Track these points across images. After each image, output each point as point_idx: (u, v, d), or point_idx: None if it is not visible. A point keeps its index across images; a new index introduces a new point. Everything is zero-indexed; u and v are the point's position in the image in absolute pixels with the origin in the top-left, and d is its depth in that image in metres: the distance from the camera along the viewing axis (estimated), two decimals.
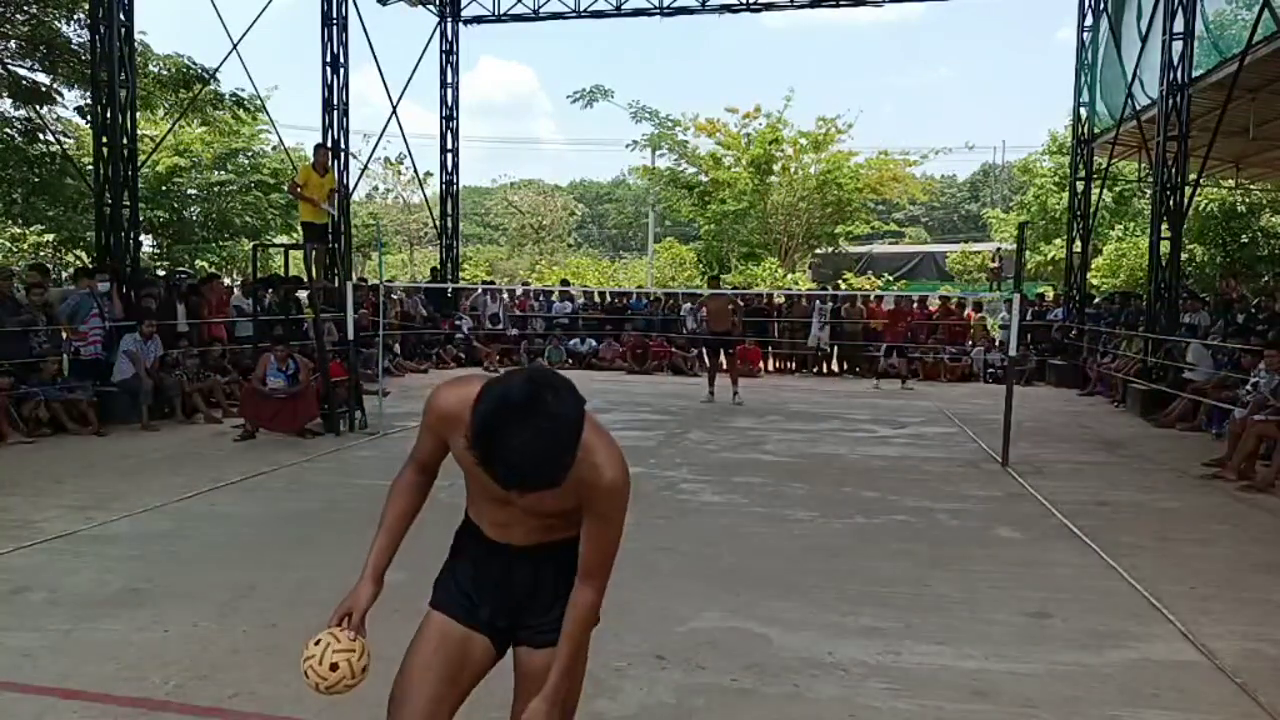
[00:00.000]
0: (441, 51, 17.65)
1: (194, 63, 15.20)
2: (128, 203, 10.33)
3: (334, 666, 1.87)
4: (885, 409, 11.42)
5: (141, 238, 14.25)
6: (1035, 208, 25.55)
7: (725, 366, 11.75)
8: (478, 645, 2.03)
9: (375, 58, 15.17)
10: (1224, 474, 7.18)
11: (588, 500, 1.82)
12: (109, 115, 10.18)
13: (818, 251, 28.92)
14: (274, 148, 22.59)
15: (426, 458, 2.06)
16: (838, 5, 17.10)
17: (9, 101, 14.79)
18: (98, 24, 10.24)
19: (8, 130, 15.05)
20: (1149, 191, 14.40)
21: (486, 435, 1.60)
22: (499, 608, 2.04)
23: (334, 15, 14.04)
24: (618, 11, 17.09)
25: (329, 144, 13.97)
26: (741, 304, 14.57)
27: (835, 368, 16.48)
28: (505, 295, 18.85)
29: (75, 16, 13.78)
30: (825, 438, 9.15)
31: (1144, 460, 8.18)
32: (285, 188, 18.50)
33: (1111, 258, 23.20)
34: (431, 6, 17.36)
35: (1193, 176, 11.74)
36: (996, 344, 15.59)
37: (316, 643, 1.90)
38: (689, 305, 17.17)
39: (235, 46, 12.72)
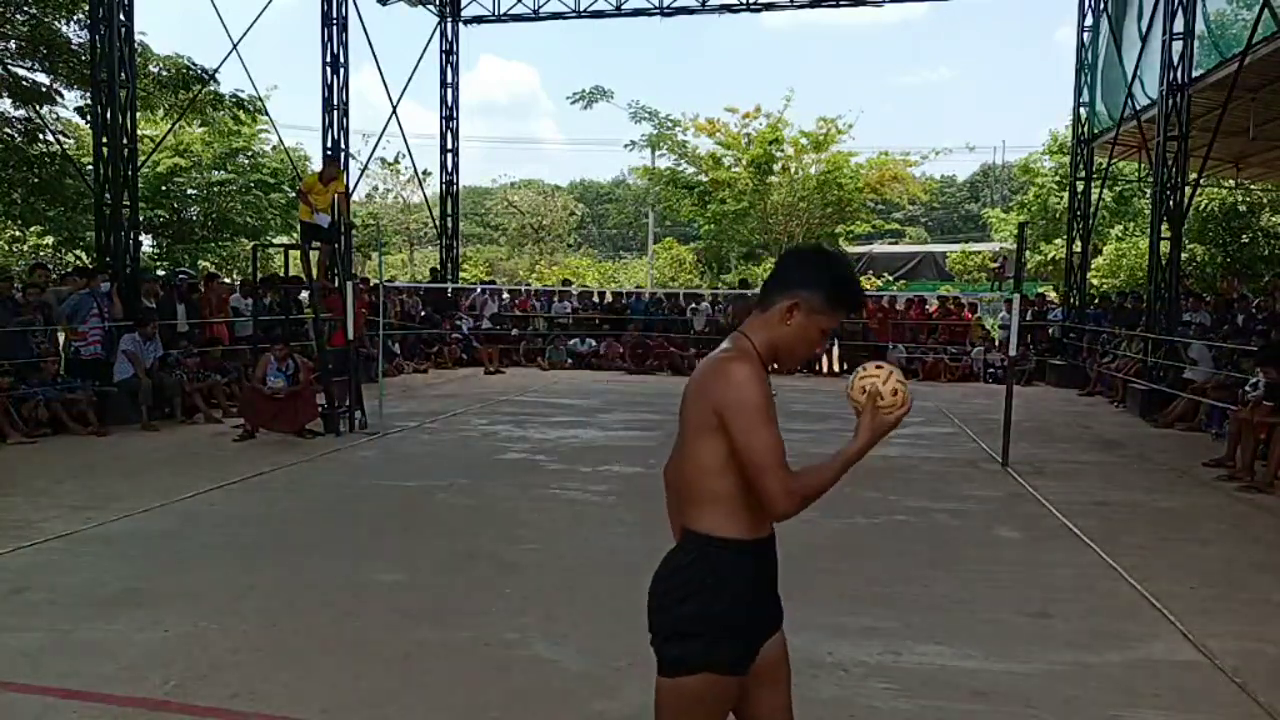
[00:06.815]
0: (441, 51, 17.67)
1: (194, 63, 15.20)
2: (128, 203, 10.34)
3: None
4: None
5: (141, 238, 14.26)
6: (1035, 208, 25.53)
7: None
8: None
9: (375, 58, 15.27)
10: (1238, 475, 7.12)
11: None
12: (109, 115, 10.19)
13: None
14: (274, 148, 22.60)
15: None
16: (838, 5, 17.12)
17: (9, 101, 14.78)
18: (98, 24, 10.25)
19: (8, 130, 15.04)
20: (1149, 191, 14.39)
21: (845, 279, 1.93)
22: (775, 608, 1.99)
23: (334, 15, 14.05)
24: (618, 11, 17.11)
25: (330, 148, 14.01)
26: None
27: (835, 367, 16.47)
28: (505, 295, 18.88)
29: (75, 17, 13.78)
30: (825, 437, 9.13)
31: (1144, 460, 8.17)
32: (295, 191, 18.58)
33: (1111, 258, 23.19)
34: (431, 6, 17.37)
35: (1193, 176, 11.73)
36: (996, 344, 15.58)
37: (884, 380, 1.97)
38: (692, 305, 17.20)
39: (235, 46, 12.75)
